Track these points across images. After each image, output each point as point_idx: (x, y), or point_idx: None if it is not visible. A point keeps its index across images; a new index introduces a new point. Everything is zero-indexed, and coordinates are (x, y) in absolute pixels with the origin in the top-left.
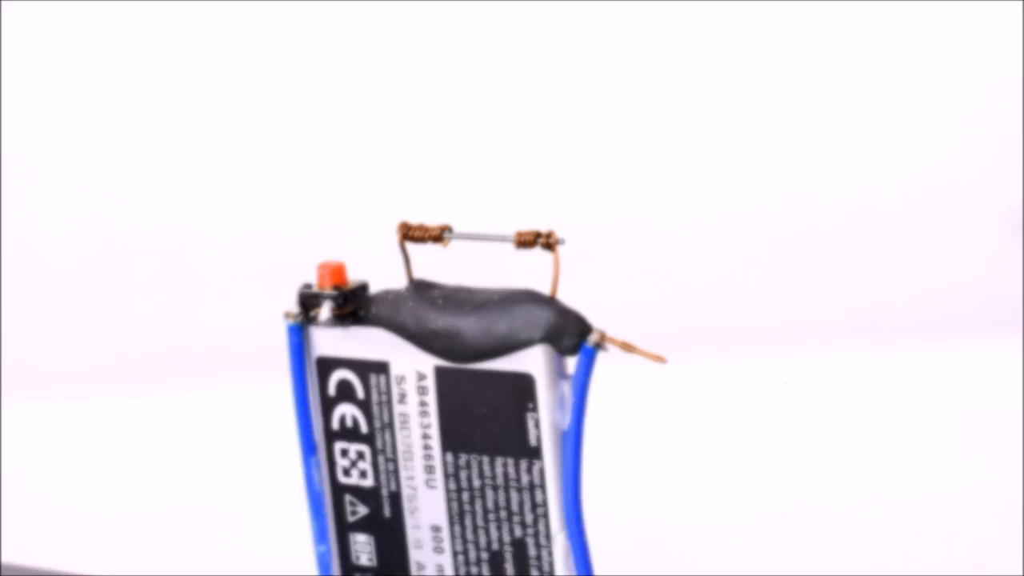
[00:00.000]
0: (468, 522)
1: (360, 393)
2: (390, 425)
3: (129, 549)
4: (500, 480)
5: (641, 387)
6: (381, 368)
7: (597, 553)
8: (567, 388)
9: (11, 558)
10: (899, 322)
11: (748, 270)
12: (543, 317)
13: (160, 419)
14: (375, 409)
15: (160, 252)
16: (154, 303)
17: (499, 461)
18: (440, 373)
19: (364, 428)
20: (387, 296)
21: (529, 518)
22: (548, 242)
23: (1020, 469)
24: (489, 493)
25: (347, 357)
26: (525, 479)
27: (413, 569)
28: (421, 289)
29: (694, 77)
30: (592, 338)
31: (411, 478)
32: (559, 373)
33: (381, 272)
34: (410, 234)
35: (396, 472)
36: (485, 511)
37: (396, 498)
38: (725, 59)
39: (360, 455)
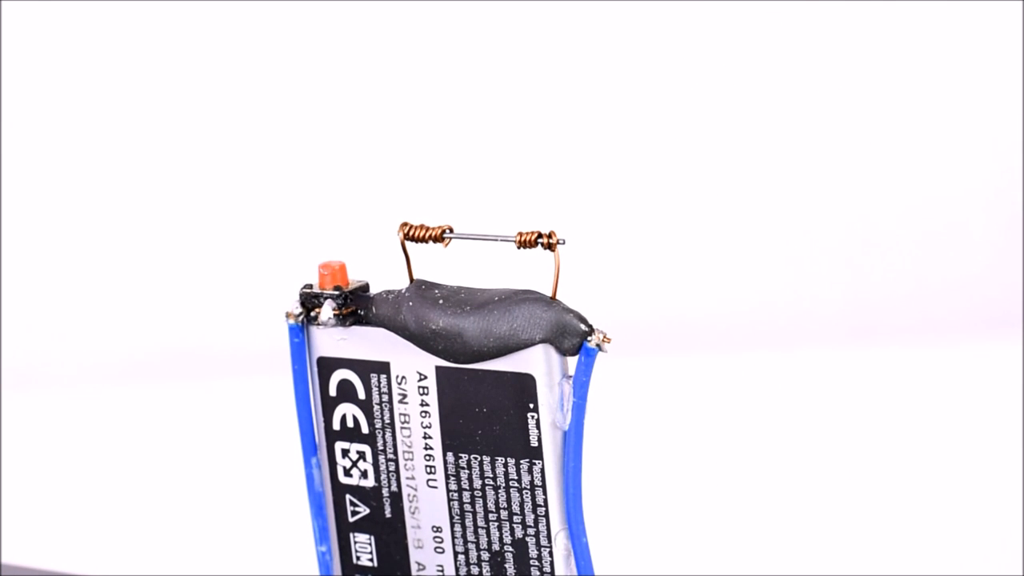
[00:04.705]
0: (469, 522)
1: (361, 393)
2: (391, 425)
3: (129, 549)
4: (501, 480)
5: (641, 387)
6: (382, 368)
7: (598, 553)
8: (568, 388)
9: (11, 558)
10: (899, 322)
11: (749, 271)
12: (544, 317)
13: (160, 419)
14: (376, 409)
15: (160, 252)
16: (155, 303)
17: (500, 461)
18: (441, 373)
19: (365, 428)
20: (388, 296)
21: (530, 518)
22: (549, 242)
23: (1020, 469)
24: (490, 493)
25: (348, 357)
26: (526, 479)
27: (414, 569)
28: (422, 289)
29: (696, 78)
30: (593, 339)
31: (412, 478)
32: (560, 373)
33: (382, 272)
34: (411, 234)
35: (397, 472)
36: (486, 511)
37: (397, 498)
38: (727, 60)
39: (361, 455)
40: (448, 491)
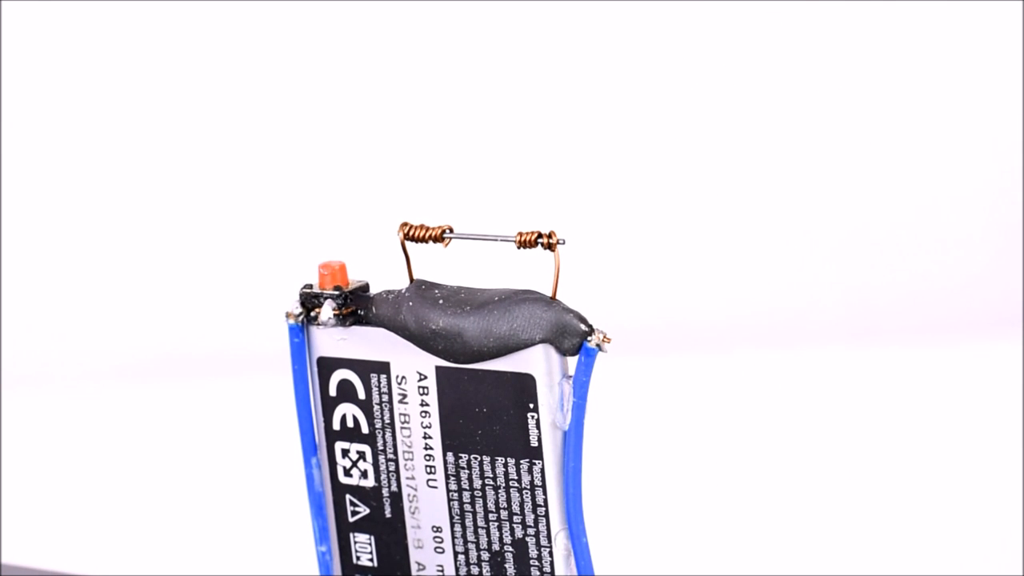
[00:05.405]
0: (469, 522)
1: (361, 393)
2: (391, 425)
3: (129, 549)
4: (501, 480)
5: (641, 387)
6: (382, 368)
7: (598, 553)
8: (568, 388)
9: (11, 558)
10: (900, 322)
11: (749, 271)
12: (544, 317)
13: (160, 419)
14: (376, 409)
15: (160, 252)
16: (155, 303)
17: (500, 461)
18: (441, 373)
19: (365, 428)
20: (388, 296)
21: (530, 518)
22: (549, 242)
23: (1020, 469)
24: (490, 493)
25: (348, 357)
26: (526, 479)
27: (414, 569)
28: (422, 289)
29: (696, 79)
30: (593, 339)
31: (412, 478)
32: (560, 373)
33: (382, 272)
34: (411, 234)
35: (397, 472)
36: (486, 511)
37: (397, 498)
38: (727, 62)
39: (361, 455)
40: (448, 491)
